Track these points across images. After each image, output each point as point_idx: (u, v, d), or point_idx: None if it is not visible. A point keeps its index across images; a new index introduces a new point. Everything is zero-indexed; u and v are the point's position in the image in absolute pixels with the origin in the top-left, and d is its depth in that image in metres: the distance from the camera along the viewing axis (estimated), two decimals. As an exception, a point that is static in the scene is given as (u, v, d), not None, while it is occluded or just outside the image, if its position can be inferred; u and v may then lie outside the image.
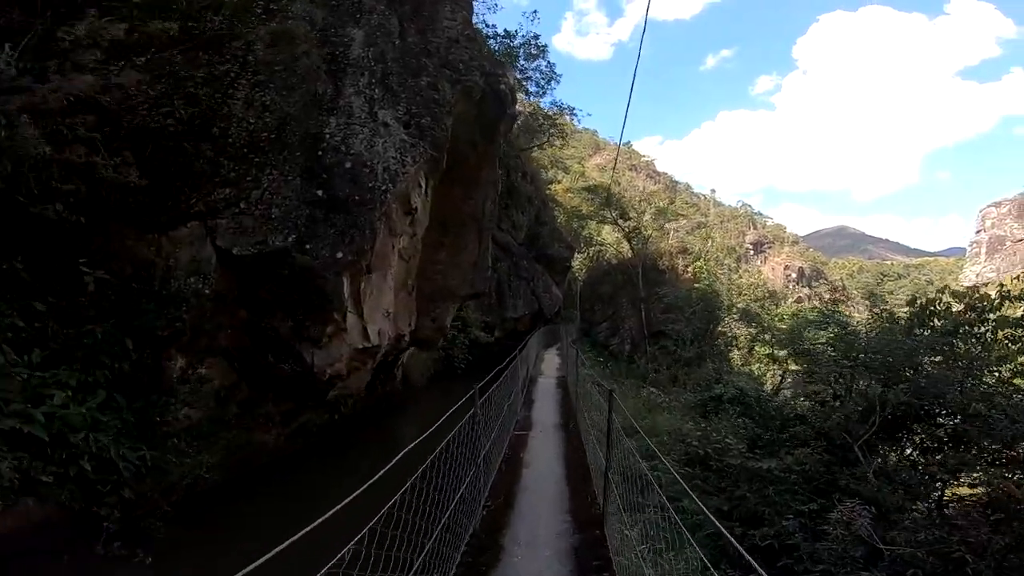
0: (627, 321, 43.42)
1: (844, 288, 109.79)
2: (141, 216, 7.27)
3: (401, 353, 14.29)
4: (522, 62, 38.34)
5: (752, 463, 11.20)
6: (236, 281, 8.01)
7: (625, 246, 47.72)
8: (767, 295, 37.09)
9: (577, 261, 48.03)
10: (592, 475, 7.06)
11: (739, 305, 34.45)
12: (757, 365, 39.70)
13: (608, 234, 50.90)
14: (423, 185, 10.01)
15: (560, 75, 38.42)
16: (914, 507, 8.88)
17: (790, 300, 37.97)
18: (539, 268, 33.43)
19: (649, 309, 41.21)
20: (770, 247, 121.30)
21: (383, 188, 8.51)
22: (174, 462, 6.81)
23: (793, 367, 33.91)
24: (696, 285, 38.90)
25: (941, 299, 11.29)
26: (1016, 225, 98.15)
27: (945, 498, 9.57)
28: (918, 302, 11.62)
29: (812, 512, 9.66)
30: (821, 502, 9.91)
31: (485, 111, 12.51)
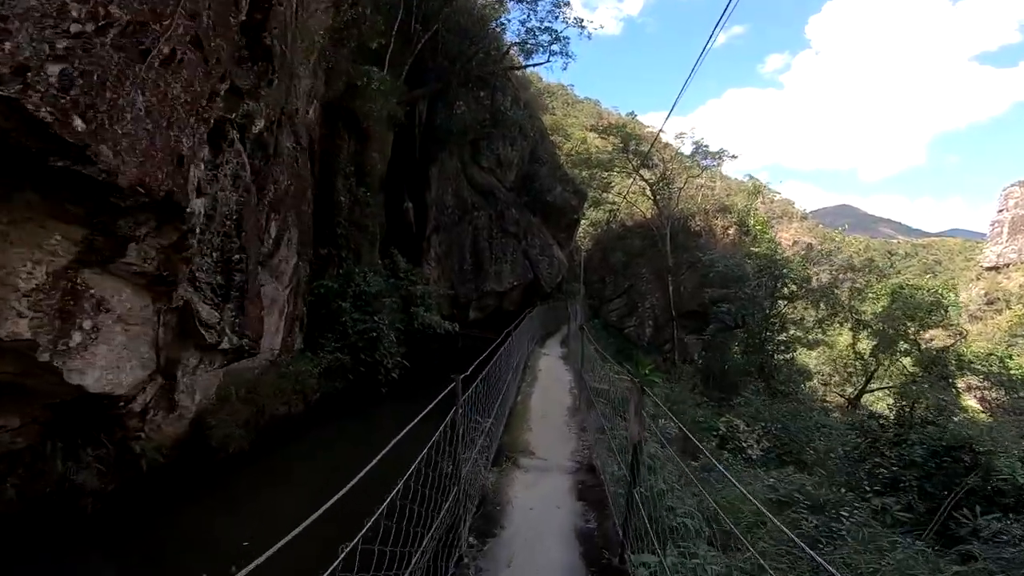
0: (648, 297, 33.69)
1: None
2: None
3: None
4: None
5: None
6: None
7: (644, 203, 37.63)
8: (867, 265, 27.16)
9: (580, 227, 38.02)
10: None
11: (821, 277, 24.77)
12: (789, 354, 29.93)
13: (622, 189, 40.80)
14: None
15: (564, -42, 27.56)
16: None
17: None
18: (534, 221, 23.46)
19: (679, 282, 31.41)
20: (778, 221, 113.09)
21: None
22: None
23: (909, 366, 24.44)
24: (754, 250, 28.84)
25: None
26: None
27: None
28: None
29: None
30: None
31: None
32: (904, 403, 10.07)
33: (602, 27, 31.66)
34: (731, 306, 22.63)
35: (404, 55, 20.48)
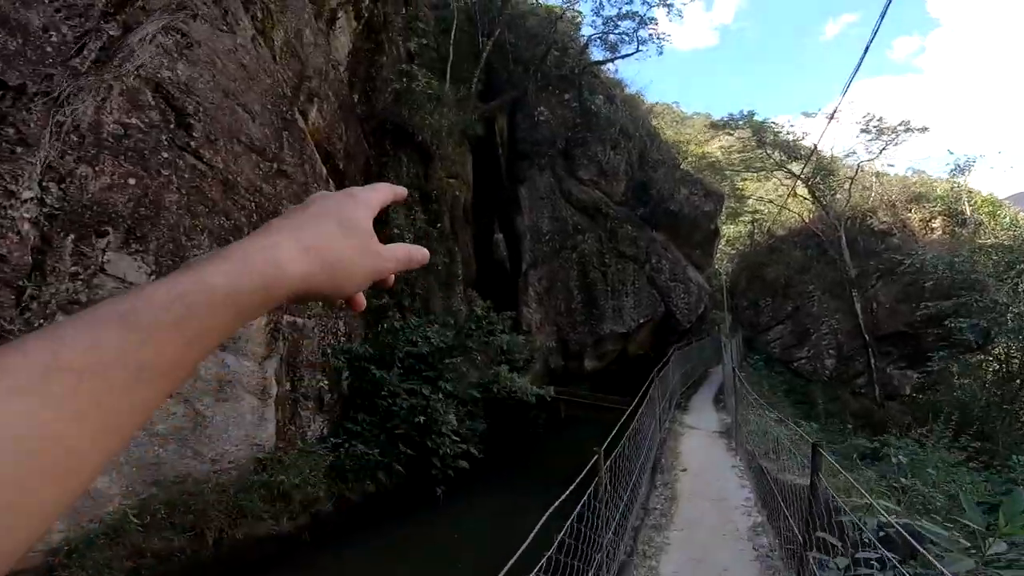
0: (824, 321, 25.96)
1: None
2: None
3: None
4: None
5: None
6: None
7: (798, 206, 30.28)
8: None
9: (719, 240, 31.60)
10: None
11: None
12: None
13: (764, 194, 33.88)
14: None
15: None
16: None
17: None
18: (658, 238, 18.60)
19: (869, 297, 23.51)
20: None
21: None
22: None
23: None
24: (983, 242, 20.08)
25: None
26: None
27: None
28: None
29: None
30: None
31: None
32: None
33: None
34: (979, 320, 15.04)
35: (469, 68, 18.10)
